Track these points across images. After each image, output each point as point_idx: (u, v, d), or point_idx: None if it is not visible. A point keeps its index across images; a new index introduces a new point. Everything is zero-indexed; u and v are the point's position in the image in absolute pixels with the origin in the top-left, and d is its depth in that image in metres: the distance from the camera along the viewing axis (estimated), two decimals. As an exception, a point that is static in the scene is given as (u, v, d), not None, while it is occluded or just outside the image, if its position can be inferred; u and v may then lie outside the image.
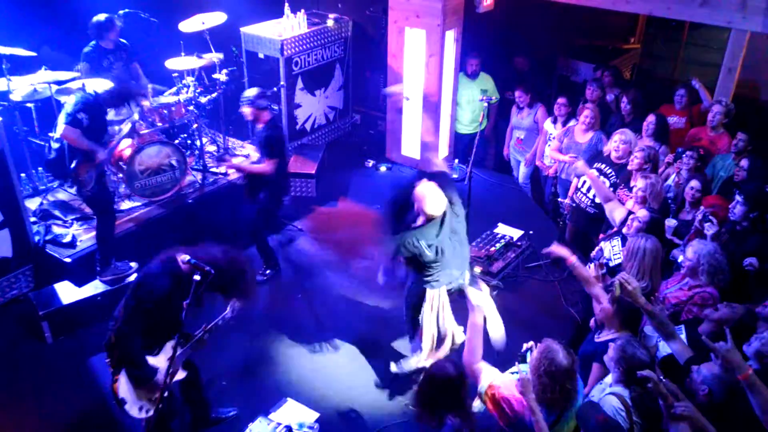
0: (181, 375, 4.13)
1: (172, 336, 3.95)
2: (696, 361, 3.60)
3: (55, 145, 5.37)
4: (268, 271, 6.19)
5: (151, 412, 3.92)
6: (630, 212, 5.08)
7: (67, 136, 5.13)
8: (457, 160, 8.27)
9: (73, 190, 6.41)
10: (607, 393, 3.50)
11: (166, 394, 3.93)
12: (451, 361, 3.47)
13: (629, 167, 5.55)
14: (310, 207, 7.32)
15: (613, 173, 5.74)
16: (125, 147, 6.18)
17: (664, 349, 3.98)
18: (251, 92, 5.73)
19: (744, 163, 5.38)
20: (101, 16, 6.47)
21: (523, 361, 3.77)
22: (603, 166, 5.83)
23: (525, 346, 3.77)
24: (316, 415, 4.59)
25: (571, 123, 6.68)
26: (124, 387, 3.84)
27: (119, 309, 3.84)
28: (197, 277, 3.65)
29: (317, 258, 6.49)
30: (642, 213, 4.90)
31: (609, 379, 3.68)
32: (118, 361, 3.84)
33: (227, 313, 4.18)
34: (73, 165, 5.26)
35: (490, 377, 3.57)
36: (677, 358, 3.78)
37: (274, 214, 6.18)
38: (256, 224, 5.99)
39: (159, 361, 3.91)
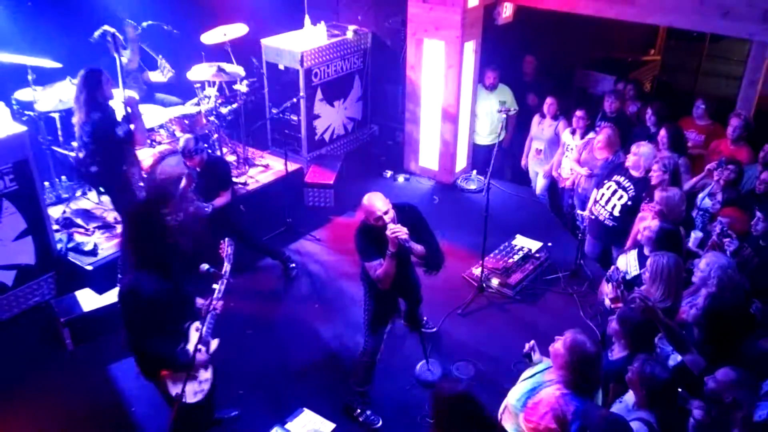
0: (215, 344, 4.09)
1: (185, 321, 3.98)
2: (710, 371, 3.57)
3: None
4: (291, 264, 6.34)
5: (206, 392, 4.00)
6: None
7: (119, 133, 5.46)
8: (475, 171, 8.27)
9: (99, 198, 6.54)
10: (632, 419, 3.46)
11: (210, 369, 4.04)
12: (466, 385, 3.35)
13: (652, 182, 5.50)
14: (328, 217, 7.36)
15: (631, 186, 5.70)
16: (147, 156, 6.27)
17: (675, 357, 3.96)
18: (191, 142, 5.52)
19: (765, 176, 5.32)
20: (100, 30, 6.54)
21: (530, 360, 3.80)
22: (622, 179, 5.79)
23: (527, 346, 3.82)
24: (333, 425, 4.59)
25: (590, 135, 6.65)
26: (172, 384, 3.87)
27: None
28: (216, 285, 3.70)
29: (334, 268, 6.53)
30: (653, 223, 4.84)
31: (629, 397, 3.65)
32: (154, 367, 3.87)
33: (226, 267, 4.03)
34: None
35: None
36: (692, 369, 3.76)
37: (244, 220, 6.15)
38: (246, 238, 6.02)
39: (191, 346, 3.91)
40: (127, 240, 3.85)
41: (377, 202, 4.29)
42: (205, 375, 4.03)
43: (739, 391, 3.33)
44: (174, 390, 3.85)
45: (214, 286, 3.73)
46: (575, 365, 3.35)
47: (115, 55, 6.16)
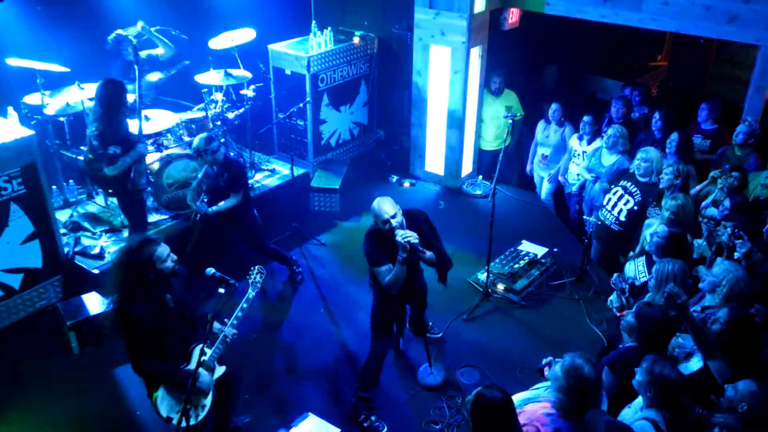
0: (219, 371, 4.11)
1: (190, 343, 4.01)
2: (733, 380, 3.55)
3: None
4: (298, 269, 6.34)
5: (201, 416, 3.98)
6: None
7: (116, 174, 5.47)
8: (480, 177, 8.27)
9: (106, 201, 6.57)
10: (639, 417, 3.44)
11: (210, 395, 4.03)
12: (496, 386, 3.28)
13: (660, 185, 5.49)
14: (334, 222, 7.37)
15: (638, 191, 5.70)
16: (153, 161, 6.29)
17: (688, 368, 3.93)
18: (202, 142, 5.51)
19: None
20: (114, 34, 6.58)
21: (542, 376, 3.78)
22: (628, 184, 5.79)
23: (544, 361, 3.78)
24: (338, 430, 4.58)
25: (597, 143, 6.65)
26: (166, 403, 3.90)
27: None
28: (222, 290, 3.71)
29: (340, 272, 6.53)
30: (661, 228, 4.82)
31: (639, 401, 3.62)
32: (155, 382, 3.91)
33: (249, 294, 4.09)
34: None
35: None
36: (717, 377, 3.73)
37: (257, 223, 6.18)
38: (254, 240, 6.03)
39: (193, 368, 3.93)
40: (117, 276, 3.85)
41: (385, 205, 4.31)
42: (203, 401, 4.01)
43: (755, 402, 3.31)
44: (164, 412, 3.89)
45: (220, 290, 3.74)
46: (571, 389, 3.29)
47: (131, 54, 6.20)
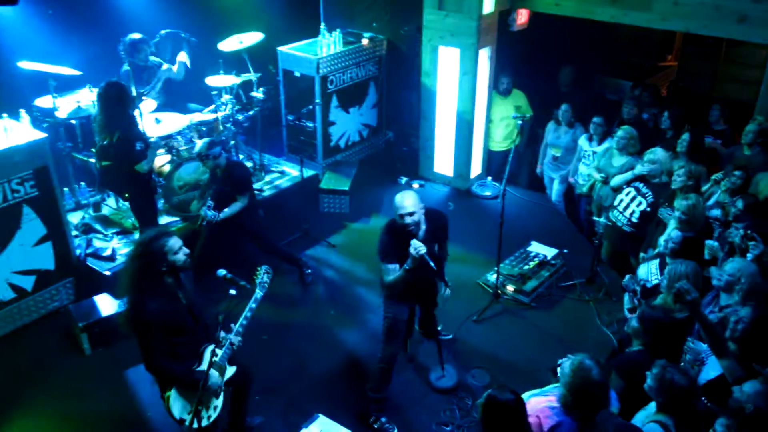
0: (230, 371, 4.11)
1: (201, 342, 4.01)
2: (745, 380, 3.53)
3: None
4: (307, 271, 6.34)
5: (213, 417, 3.98)
6: None
7: (144, 168, 5.53)
8: (490, 178, 8.26)
9: (118, 204, 6.61)
10: (649, 421, 3.43)
11: (221, 396, 4.02)
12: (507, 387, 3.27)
13: (673, 186, 5.47)
14: (343, 223, 7.38)
15: (649, 192, 5.68)
16: (164, 163, 6.33)
17: (705, 375, 3.90)
18: (204, 147, 5.57)
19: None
20: (132, 36, 6.61)
21: (555, 375, 3.77)
22: (640, 185, 5.78)
23: (559, 361, 3.77)
24: (348, 432, 4.60)
25: (606, 144, 6.63)
26: (179, 404, 3.90)
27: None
28: (233, 292, 3.72)
29: (350, 274, 6.54)
30: (675, 233, 4.81)
31: (653, 405, 3.61)
32: (168, 384, 3.92)
33: (257, 294, 4.09)
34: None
35: None
36: (727, 376, 3.70)
37: (263, 225, 6.20)
38: (262, 242, 6.06)
39: (205, 368, 3.95)
40: (130, 269, 3.88)
41: (407, 200, 4.32)
42: (215, 402, 4.02)
43: (762, 401, 3.29)
44: (177, 413, 3.89)
45: (232, 292, 3.75)
46: (576, 389, 3.28)
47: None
